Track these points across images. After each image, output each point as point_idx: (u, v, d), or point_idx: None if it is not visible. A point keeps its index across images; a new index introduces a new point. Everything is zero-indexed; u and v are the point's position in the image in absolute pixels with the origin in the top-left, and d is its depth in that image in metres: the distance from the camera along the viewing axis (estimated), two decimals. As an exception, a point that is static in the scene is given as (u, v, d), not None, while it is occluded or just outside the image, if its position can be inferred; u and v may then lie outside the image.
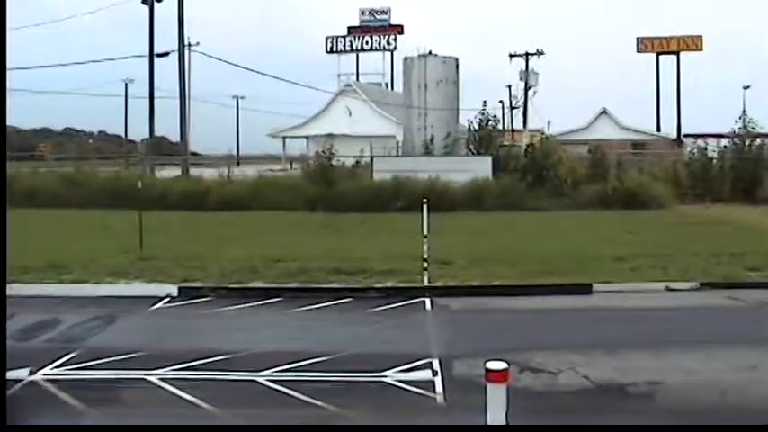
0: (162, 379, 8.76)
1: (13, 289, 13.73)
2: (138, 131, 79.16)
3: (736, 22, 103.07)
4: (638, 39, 72.30)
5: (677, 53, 70.94)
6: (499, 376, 4.27)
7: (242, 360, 9.50)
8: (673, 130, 67.81)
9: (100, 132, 79.26)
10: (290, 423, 7.52)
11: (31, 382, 8.77)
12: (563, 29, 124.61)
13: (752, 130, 34.19)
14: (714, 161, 34.63)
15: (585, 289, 13.88)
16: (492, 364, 4.30)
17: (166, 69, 43.53)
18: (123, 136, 74.63)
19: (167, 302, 13.30)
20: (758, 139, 34.38)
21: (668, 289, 14.03)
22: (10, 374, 8.84)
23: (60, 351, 9.89)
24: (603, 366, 9.21)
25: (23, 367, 9.07)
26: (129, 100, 74.84)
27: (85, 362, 9.42)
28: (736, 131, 34.38)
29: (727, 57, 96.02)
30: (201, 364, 9.25)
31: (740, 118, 34.39)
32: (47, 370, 9.13)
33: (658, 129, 69.72)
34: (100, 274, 14.77)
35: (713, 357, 9.66)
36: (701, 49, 70.70)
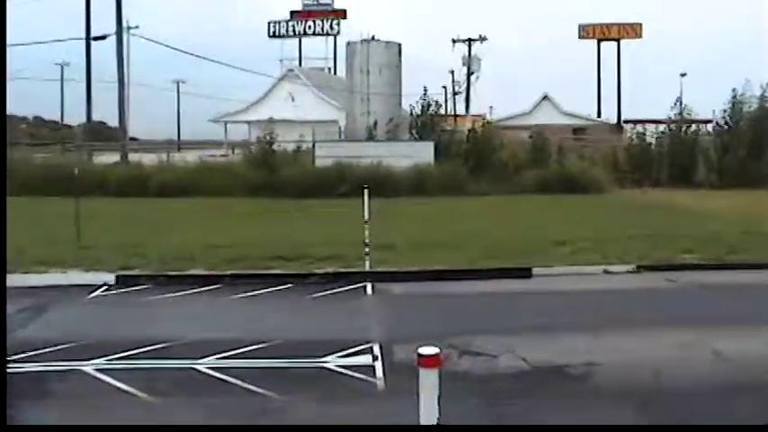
0: (97, 369, 8.59)
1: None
2: (75, 116, 77.65)
3: (675, 10, 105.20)
4: (579, 26, 73.15)
5: (618, 40, 71.98)
6: (431, 361, 4.27)
7: (180, 348, 9.37)
8: (613, 115, 68.91)
9: (35, 117, 77.40)
10: (229, 410, 7.44)
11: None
12: (506, 15, 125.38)
13: (687, 116, 34.92)
14: (652, 146, 35.30)
15: (525, 273, 14.04)
16: (424, 350, 4.30)
17: (105, 54, 42.54)
18: (59, 121, 73.10)
19: (104, 291, 13.06)
20: (693, 126, 35.12)
21: (606, 272, 14.27)
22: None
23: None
24: (542, 349, 9.31)
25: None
26: (65, 84, 73.40)
27: (14, 354, 9.12)
28: (673, 118, 35.05)
29: (665, 44, 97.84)
30: (139, 353, 9.10)
31: (676, 104, 35.11)
32: (-28, 363, 8.85)
33: (599, 114, 70.75)
34: (31, 263, 14.37)
35: (647, 338, 9.85)
36: (640, 37, 71.82)
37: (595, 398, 7.88)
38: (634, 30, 71.60)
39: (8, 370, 8.64)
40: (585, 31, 73.06)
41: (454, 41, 59.77)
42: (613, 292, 13.09)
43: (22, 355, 9.11)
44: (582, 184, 29.64)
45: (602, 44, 72.78)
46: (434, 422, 4.30)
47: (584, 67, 77.20)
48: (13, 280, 13.26)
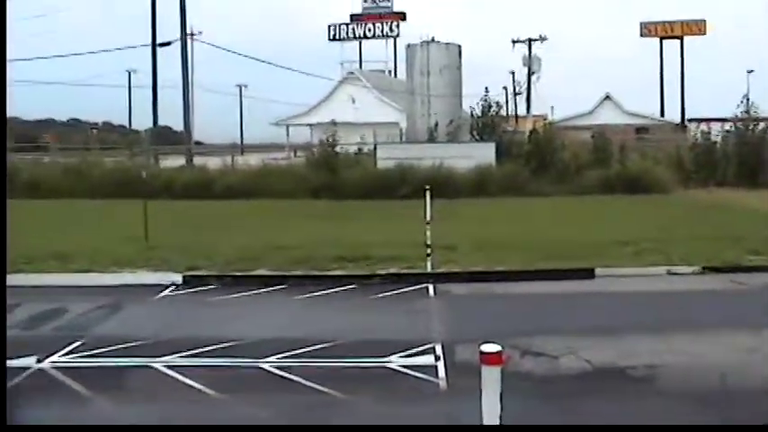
0: (167, 366, 8.86)
1: (17, 279, 13.91)
2: (143, 121, 79.42)
3: (741, 7, 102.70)
4: (641, 23, 72.07)
5: (681, 38, 70.69)
6: (493, 359, 4.34)
7: (246, 347, 9.58)
8: (676, 114, 67.72)
9: (104, 123, 79.40)
10: (293, 409, 7.61)
11: (39, 369, 8.89)
12: (567, 14, 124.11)
13: (754, 114, 34.10)
14: (717, 145, 34.57)
15: (588, 274, 13.94)
16: (486, 347, 4.37)
17: (170, 59, 43.55)
18: (127, 126, 74.88)
19: (172, 291, 13.41)
20: (761, 124, 34.28)
21: (670, 273, 14.09)
22: (18, 363, 9.01)
23: (67, 339, 10.00)
24: (604, 350, 9.28)
25: (30, 355, 9.22)
26: (132, 90, 75.18)
27: (92, 350, 9.54)
28: (739, 116, 34.27)
29: (731, 41, 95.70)
30: (206, 351, 9.35)
31: (743, 102, 34.31)
32: (54, 358, 9.24)
33: (662, 114, 69.57)
34: (105, 263, 14.88)
35: (713, 341, 9.72)
36: (704, 34, 70.40)
37: (659, 400, 7.83)
38: (698, 27, 70.20)
39: (88, 363, 9.04)
40: (647, 29, 71.90)
41: (514, 42, 59.55)
42: (678, 293, 12.94)
43: (100, 350, 9.50)
44: (645, 185, 29.19)
45: (665, 42, 71.53)
46: (497, 420, 4.37)
47: (646, 65, 76.02)
48: (90, 279, 13.87)
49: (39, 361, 9.09)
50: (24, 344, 9.87)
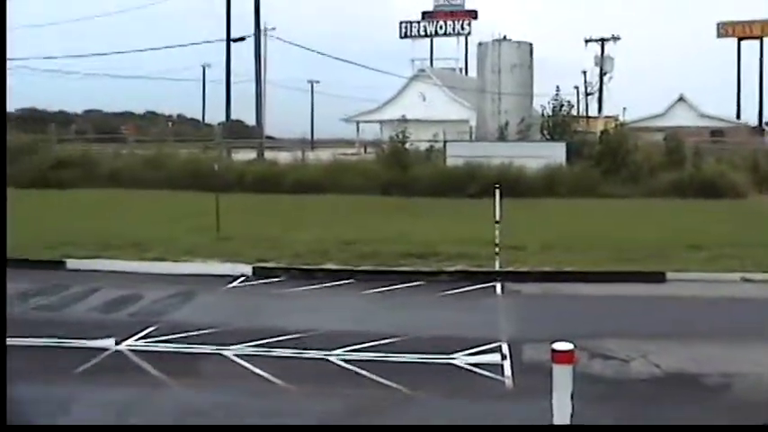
0: (236, 354, 9.06)
1: (96, 264, 14.41)
2: (215, 115, 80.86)
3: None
4: (718, 24, 70.26)
5: (760, 38, 68.72)
6: (565, 357, 4.33)
7: (313, 339, 9.71)
8: (754, 117, 65.87)
9: (179, 116, 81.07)
10: (359, 401, 7.69)
11: (117, 351, 9.25)
12: (640, 14, 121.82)
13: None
14: (798, 150, 33.53)
15: (659, 277, 13.71)
16: (558, 345, 4.36)
17: (244, 54, 44.21)
18: (200, 119, 76.31)
19: (242, 282, 13.66)
20: None
21: (745, 280, 13.74)
22: (97, 344, 9.37)
23: (142, 324, 10.35)
24: (675, 355, 9.13)
25: (109, 337, 9.58)
26: (206, 84, 76.54)
27: (166, 335, 9.82)
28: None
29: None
30: (274, 342, 9.52)
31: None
32: (130, 341, 9.56)
33: (738, 116, 67.76)
34: (178, 252, 15.26)
35: (790, 350, 9.47)
36: (785, 34, 68.32)
37: (732, 411, 7.65)
38: (779, 27, 68.10)
39: (162, 348, 9.31)
40: (725, 29, 70.03)
41: (587, 41, 58.64)
42: (752, 300, 12.61)
43: (173, 336, 9.78)
44: (719, 189, 28.46)
45: (743, 42, 69.61)
46: (567, 419, 4.36)
47: (722, 66, 74.13)
48: (163, 267, 14.26)
49: (117, 343, 9.44)
50: (103, 326, 10.27)
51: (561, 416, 4.35)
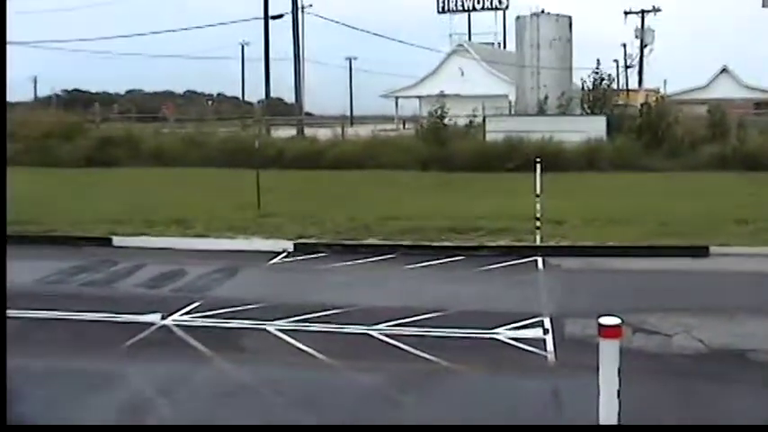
0: (279, 330, 9.16)
1: (141, 241, 14.66)
2: (255, 93, 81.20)
3: None
4: (765, -8, 68.58)
5: (809, 6, 66.96)
6: (612, 332, 4.32)
7: (355, 314, 9.80)
8: (802, 88, 64.29)
9: (219, 95, 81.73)
10: (402, 375, 7.75)
11: (163, 326, 9.43)
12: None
13: None
14: None
15: (702, 252, 13.56)
16: (605, 320, 4.35)
17: (282, 32, 44.26)
18: (240, 98, 76.72)
19: (284, 257, 13.79)
20: None
21: (791, 254, 13.54)
22: (144, 318, 9.57)
23: (187, 300, 10.51)
24: (719, 331, 9.04)
25: (155, 312, 9.78)
26: (245, 62, 76.87)
27: (210, 311, 9.98)
28: None
29: None
30: (316, 317, 9.61)
31: None
32: (176, 316, 9.73)
33: (784, 87, 66.24)
34: (221, 229, 15.47)
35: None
36: (836, 2, 66.47)
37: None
38: (830, -5, 66.26)
39: (207, 323, 9.47)
40: (772, -3, 68.32)
41: (626, 13, 57.74)
42: (799, 276, 12.45)
43: (220, 311, 9.94)
44: (764, 162, 27.88)
45: (792, 11, 67.86)
46: (614, 394, 4.36)
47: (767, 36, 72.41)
48: (206, 243, 14.48)
49: (163, 318, 9.62)
50: (150, 302, 10.47)
51: (607, 390, 4.35)
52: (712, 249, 13.61)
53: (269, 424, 6.57)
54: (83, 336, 9.15)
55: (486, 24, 73.91)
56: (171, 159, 29.25)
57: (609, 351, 4.33)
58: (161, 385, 7.43)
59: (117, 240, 14.76)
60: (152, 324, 9.44)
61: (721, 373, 7.91)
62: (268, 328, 9.26)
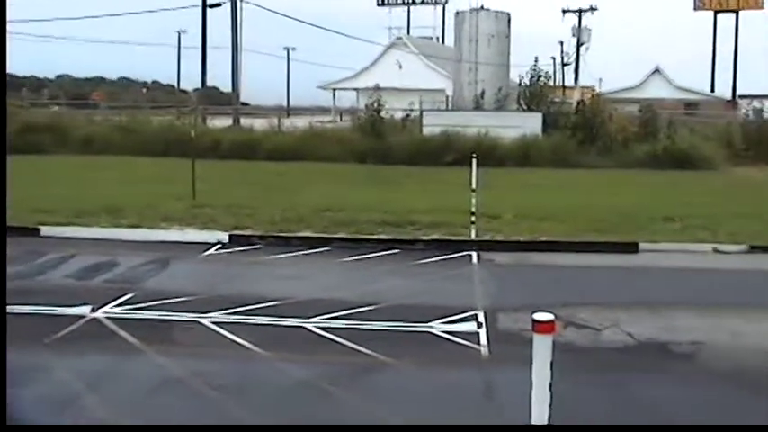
0: (213, 322, 9.06)
1: (71, 231, 14.32)
2: (191, 82, 79.93)
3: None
4: (695, -4, 70.34)
5: (736, 11, 68.94)
6: (546, 327, 4.39)
7: (290, 306, 9.75)
8: (728, 91, 66.25)
9: (153, 82, 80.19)
10: (335, 368, 7.75)
11: (93, 318, 9.21)
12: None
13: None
14: (770, 123, 33.79)
15: (632, 248, 13.87)
16: (539, 316, 4.42)
17: (220, 21, 43.75)
18: (176, 86, 75.50)
19: (218, 249, 13.65)
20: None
21: (716, 251, 13.94)
22: (73, 311, 9.34)
23: (118, 292, 10.31)
24: (647, 324, 9.27)
25: (85, 304, 9.56)
26: (182, 50, 75.70)
27: (142, 303, 9.80)
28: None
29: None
30: (251, 310, 9.53)
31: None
32: (107, 308, 9.53)
33: (713, 89, 68.16)
34: (154, 219, 15.22)
35: (759, 320, 9.65)
36: (761, 8, 68.49)
37: (702, 376, 7.84)
38: (755, 0, 68.30)
39: (139, 315, 9.30)
40: (702, 2, 70.08)
41: (564, 12, 58.71)
42: (723, 271, 12.82)
43: (152, 303, 9.79)
44: (693, 161, 28.76)
45: (720, 15, 69.80)
46: (546, 388, 4.43)
47: (698, 39, 74.38)
48: (139, 234, 14.20)
49: (93, 310, 9.42)
50: (79, 293, 10.23)
51: (540, 384, 4.42)
52: (642, 245, 13.94)
53: (269, 424, 6.47)
54: (7, 329, 8.88)
55: (425, 18, 74.34)
56: (103, 147, 28.66)
57: (542, 346, 4.41)
58: (89, 379, 7.27)
59: (45, 230, 14.38)
60: (81, 317, 9.22)
61: (648, 364, 8.12)
62: (201, 320, 9.15)
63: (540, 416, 4.40)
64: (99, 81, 75.32)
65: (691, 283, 11.97)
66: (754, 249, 13.94)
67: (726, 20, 69.42)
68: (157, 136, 29.61)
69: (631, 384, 7.49)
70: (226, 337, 8.59)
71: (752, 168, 29.17)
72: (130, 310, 9.56)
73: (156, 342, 8.34)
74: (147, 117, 34.43)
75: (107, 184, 19.87)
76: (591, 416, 6.64)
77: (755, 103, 36.41)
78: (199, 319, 9.16)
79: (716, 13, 69.88)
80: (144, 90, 60.12)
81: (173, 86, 75.40)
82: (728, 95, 64.27)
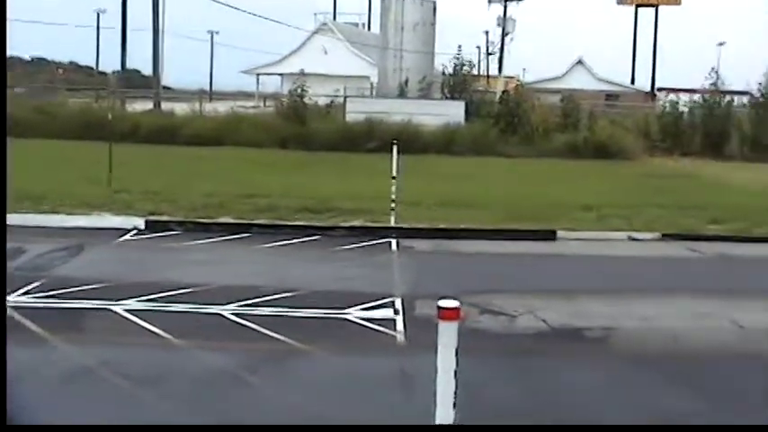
0: (127, 310, 8.85)
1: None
2: (110, 63, 78.06)
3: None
4: (618, -11, 71.82)
5: (656, 6, 70.66)
6: (451, 314, 4.41)
7: (207, 293, 9.60)
8: (647, 83, 67.95)
9: (70, 63, 77.83)
10: (251, 356, 7.67)
11: (-5, 308, 8.84)
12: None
13: (722, 86, 34.27)
14: (685, 116, 34.79)
15: (550, 236, 14.11)
16: (444, 302, 4.43)
17: (141, 1, 42.77)
18: (94, 67, 73.45)
19: (134, 235, 13.35)
20: (728, 96, 34.53)
21: (631, 239, 14.30)
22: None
23: (25, 279, 9.89)
24: (561, 311, 9.44)
25: (-13, 293, 9.16)
26: (101, 31, 73.64)
27: (51, 291, 9.49)
28: (708, 88, 34.45)
29: (704, 12, 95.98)
30: (166, 297, 9.35)
31: (711, 74, 34.47)
32: (12, 297, 9.13)
33: (633, 81, 69.77)
34: (68, 205, 14.74)
35: (668, 305, 9.94)
36: (679, 4, 70.46)
37: (611, 360, 8.06)
38: (674, -4, 70.14)
39: (46, 304, 9.00)
40: (624, -4, 71.68)
41: (490, 1, 59.08)
42: (637, 258, 13.17)
43: (61, 291, 9.47)
44: (611, 151, 29.41)
45: (640, 10, 71.52)
46: (451, 375, 4.44)
47: (620, 32, 76.18)
48: (52, 220, 13.75)
49: (-5, 299, 9.04)
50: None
51: (445, 371, 4.43)
52: (559, 234, 14.19)
53: (269, 424, 6.31)
54: None
55: (351, 4, 74.08)
56: (15, 130, 27.66)
57: (447, 333, 4.42)
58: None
59: (-49, 215, 13.82)
60: (-17, 305, 8.88)
61: (560, 350, 8.28)
62: (114, 308, 8.92)
63: (445, 401, 4.42)
64: (12, 61, 72.77)
65: (605, 270, 12.26)
66: (665, 237, 14.33)
67: (646, 14, 71.15)
68: (74, 119, 28.76)
69: (542, 369, 7.62)
70: (139, 325, 8.41)
71: (668, 159, 30.00)
72: (37, 298, 9.24)
73: (64, 331, 8.10)
74: (64, 99, 33.41)
75: (18, 169, 19.13)
76: (499, 400, 6.72)
77: (672, 96, 37.36)
78: (111, 307, 8.93)
79: (637, 7, 71.51)
80: (60, 71, 58.33)
81: (91, 68, 73.43)
82: (648, 88, 65.89)
